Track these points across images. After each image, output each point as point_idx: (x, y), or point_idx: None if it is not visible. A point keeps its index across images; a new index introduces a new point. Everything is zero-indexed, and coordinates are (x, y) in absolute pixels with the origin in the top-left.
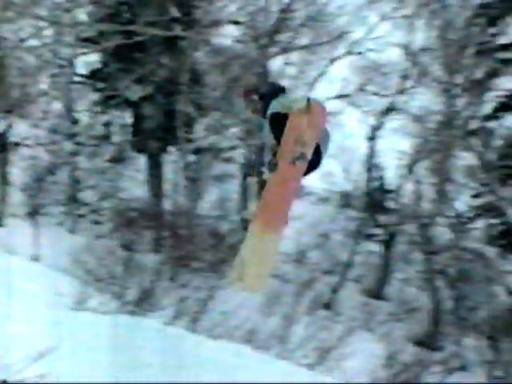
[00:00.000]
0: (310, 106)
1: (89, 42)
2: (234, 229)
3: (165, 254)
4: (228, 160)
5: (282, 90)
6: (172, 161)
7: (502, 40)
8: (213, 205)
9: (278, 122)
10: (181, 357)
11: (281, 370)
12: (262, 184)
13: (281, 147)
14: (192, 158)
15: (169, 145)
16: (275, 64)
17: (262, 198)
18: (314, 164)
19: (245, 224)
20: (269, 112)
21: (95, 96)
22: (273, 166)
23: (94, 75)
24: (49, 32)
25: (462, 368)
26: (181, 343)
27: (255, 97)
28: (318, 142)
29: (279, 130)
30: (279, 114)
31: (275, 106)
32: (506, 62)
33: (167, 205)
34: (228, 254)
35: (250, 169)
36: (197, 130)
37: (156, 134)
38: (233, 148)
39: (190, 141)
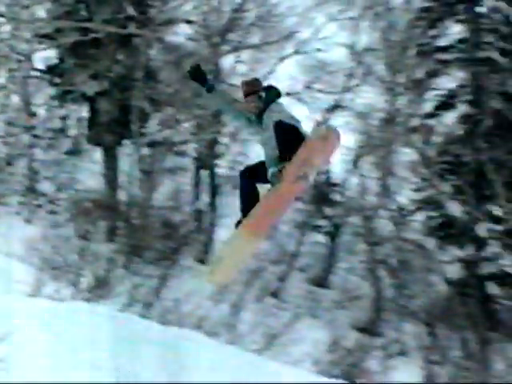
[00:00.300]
0: (329, 133)
1: (46, 38)
2: (186, 220)
3: (119, 244)
4: (181, 153)
5: (278, 95)
6: (127, 154)
7: (442, 42)
8: (166, 196)
9: (283, 131)
10: (134, 342)
11: (230, 355)
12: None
13: (289, 165)
14: (146, 151)
15: (124, 138)
16: (226, 62)
17: (258, 204)
18: None
19: (196, 215)
20: (273, 119)
21: (52, 90)
22: (276, 179)
23: (51, 70)
24: (7, 28)
25: (402, 353)
26: (134, 329)
27: (262, 94)
28: None
29: (284, 139)
30: (283, 122)
31: (275, 113)
32: (444, 62)
33: (122, 196)
34: (180, 244)
35: (202, 162)
36: (151, 125)
37: (111, 127)
38: (185, 142)
39: (144, 134)
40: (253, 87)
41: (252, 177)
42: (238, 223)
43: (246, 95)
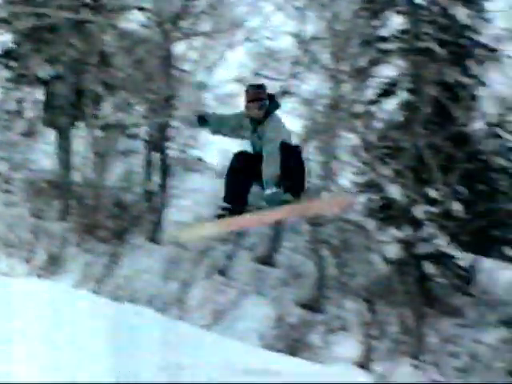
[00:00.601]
0: (344, 203)
1: (3, 22)
2: (137, 200)
3: (72, 222)
4: (133, 136)
5: (277, 107)
6: (80, 136)
7: (383, 32)
8: (118, 177)
9: (288, 152)
10: (83, 316)
11: (179, 330)
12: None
13: (293, 207)
14: (99, 133)
15: (78, 121)
16: (178, 48)
17: (254, 213)
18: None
19: (147, 195)
20: (278, 138)
21: (8, 74)
22: (272, 202)
23: (7, 54)
24: None
25: (343, 328)
26: (86, 305)
27: (266, 102)
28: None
29: (287, 160)
30: (287, 143)
31: (277, 122)
32: (386, 52)
33: (75, 176)
34: (131, 224)
35: (154, 145)
36: (104, 108)
37: (66, 110)
38: (137, 125)
39: (97, 117)
40: (258, 94)
41: (248, 168)
42: (220, 216)
43: (250, 101)
